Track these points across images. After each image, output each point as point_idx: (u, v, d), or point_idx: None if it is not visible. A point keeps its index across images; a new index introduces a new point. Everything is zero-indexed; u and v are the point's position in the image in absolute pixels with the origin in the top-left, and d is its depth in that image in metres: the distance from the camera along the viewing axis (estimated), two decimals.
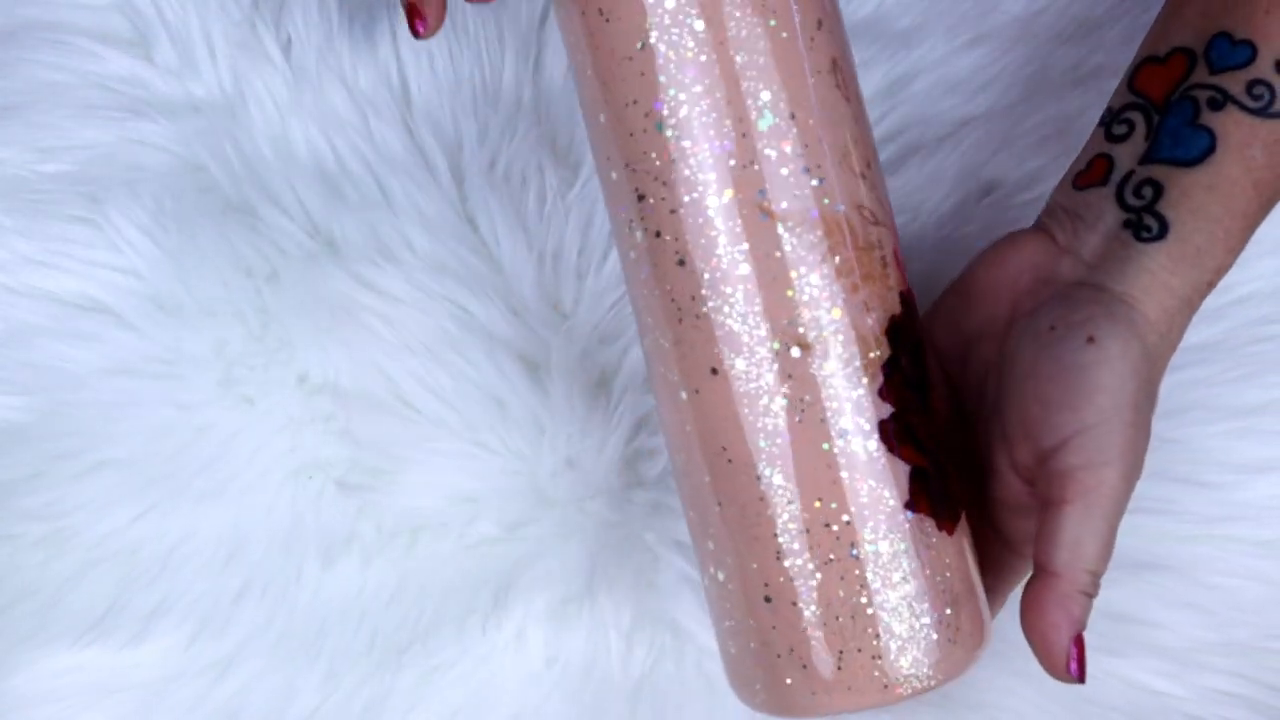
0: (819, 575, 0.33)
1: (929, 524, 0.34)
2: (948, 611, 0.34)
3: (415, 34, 0.35)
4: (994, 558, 0.38)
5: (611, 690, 0.44)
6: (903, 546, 0.34)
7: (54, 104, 0.48)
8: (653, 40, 0.32)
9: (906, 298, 0.36)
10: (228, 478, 0.46)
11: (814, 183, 0.33)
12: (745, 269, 0.33)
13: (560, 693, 0.44)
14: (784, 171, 0.33)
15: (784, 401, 0.33)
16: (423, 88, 0.49)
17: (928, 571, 0.34)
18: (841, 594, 0.33)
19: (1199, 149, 0.34)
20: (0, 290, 0.47)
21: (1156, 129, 0.35)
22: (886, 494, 0.33)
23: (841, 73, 0.34)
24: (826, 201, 0.33)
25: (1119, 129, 0.36)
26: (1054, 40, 0.50)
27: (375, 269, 0.47)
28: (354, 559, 0.45)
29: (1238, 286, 0.46)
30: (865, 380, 0.33)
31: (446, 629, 0.45)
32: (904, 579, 0.33)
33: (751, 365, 0.33)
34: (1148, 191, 0.35)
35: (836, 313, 0.33)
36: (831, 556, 0.33)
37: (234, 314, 0.47)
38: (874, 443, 0.33)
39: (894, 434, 0.34)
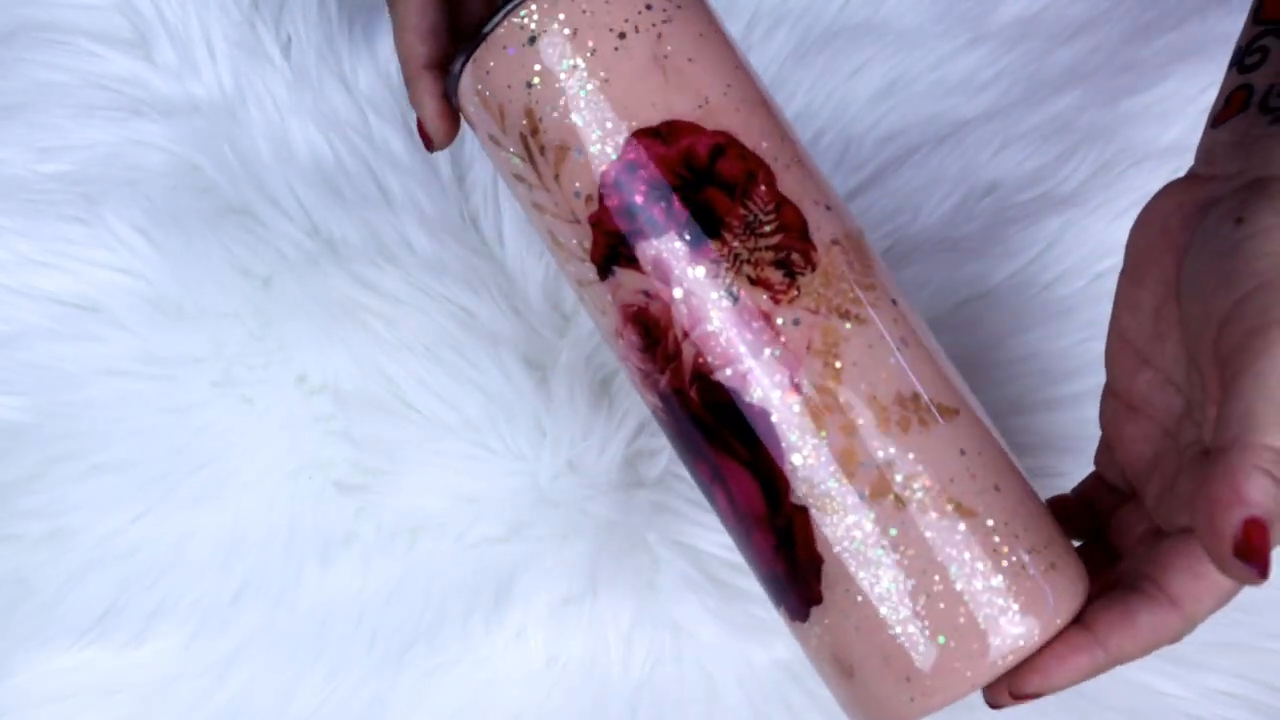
0: None
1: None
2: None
3: (427, 148, 0.39)
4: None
5: (611, 690, 0.44)
6: None
7: (54, 104, 0.49)
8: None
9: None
10: (227, 478, 0.46)
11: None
12: None
13: (560, 693, 0.44)
14: None
15: None
16: None
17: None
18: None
19: None
20: (0, 290, 0.47)
21: None
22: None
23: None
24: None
25: (1251, 59, 0.35)
26: (1054, 40, 0.50)
27: (375, 269, 0.47)
28: (354, 559, 0.45)
29: None
30: None
31: (447, 629, 0.45)
32: None
33: None
34: None
35: None
36: None
37: (233, 314, 0.47)
38: None
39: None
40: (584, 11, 0.33)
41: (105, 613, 0.44)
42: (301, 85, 0.49)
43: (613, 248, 0.34)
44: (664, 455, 0.46)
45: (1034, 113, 0.49)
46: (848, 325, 0.33)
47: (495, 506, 0.46)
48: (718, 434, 0.34)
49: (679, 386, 0.34)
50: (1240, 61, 0.35)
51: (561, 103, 0.33)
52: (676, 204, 0.33)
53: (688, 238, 0.33)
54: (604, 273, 0.34)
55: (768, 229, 0.34)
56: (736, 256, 0.33)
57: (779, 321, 0.33)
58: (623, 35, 0.33)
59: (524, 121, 0.34)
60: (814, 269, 0.34)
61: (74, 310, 0.47)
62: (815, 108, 0.50)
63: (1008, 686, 0.32)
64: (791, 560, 0.34)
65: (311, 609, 0.45)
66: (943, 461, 0.33)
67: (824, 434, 0.33)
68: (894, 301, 0.35)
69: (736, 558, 0.44)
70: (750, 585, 0.44)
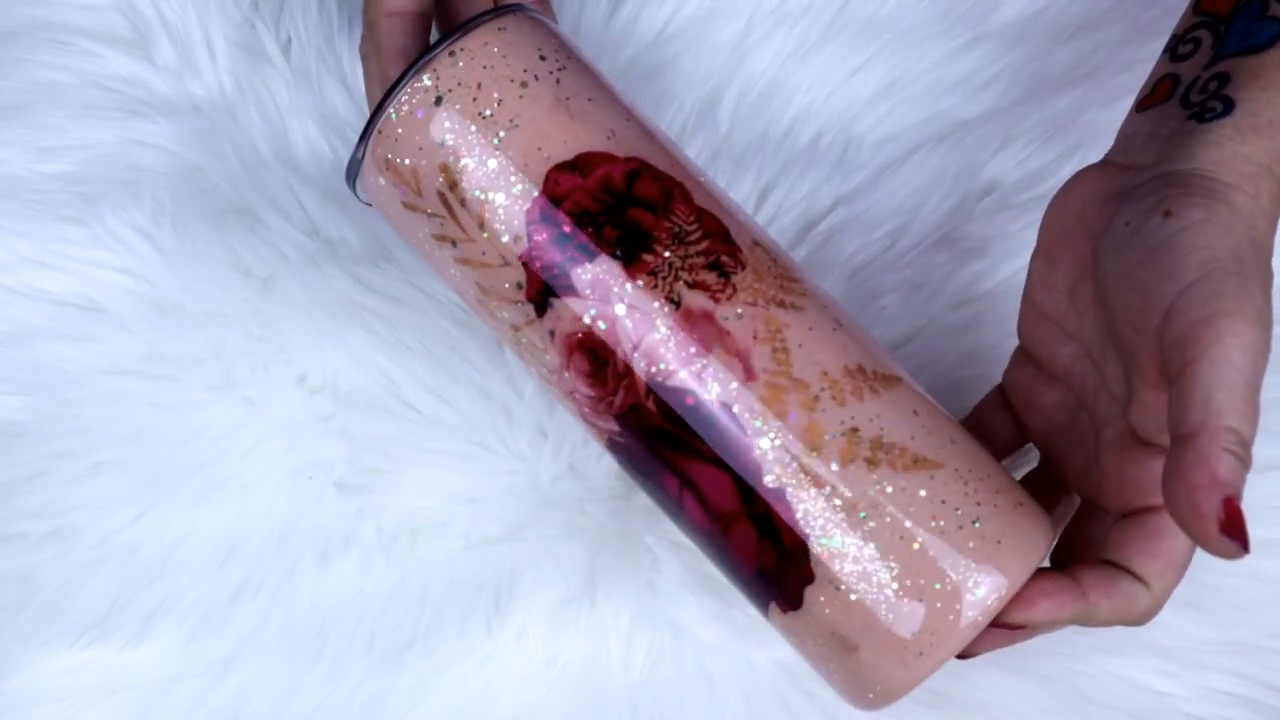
0: None
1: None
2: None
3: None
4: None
5: (611, 690, 0.44)
6: None
7: (54, 104, 0.49)
8: None
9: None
10: (227, 478, 0.46)
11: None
12: None
13: (560, 693, 0.44)
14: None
15: None
16: None
17: None
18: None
19: (1268, 35, 0.33)
20: (0, 290, 0.47)
21: (1223, 35, 0.34)
22: None
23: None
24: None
25: (1184, 48, 0.36)
26: (1054, 40, 0.50)
27: (375, 270, 0.47)
28: (354, 559, 0.45)
29: None
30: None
31: (447, 629, 0.45)
32: None
33: None
34: (1213, 84, 0.34)
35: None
36: None
37: (233, 315, 0.47)
38: None
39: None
40: (484, 67, 0.35)
41: (105, 613, 0.45)
42: (301, 85, 0.49)
43: (547, 281, 0.35)
44: None
45: (1034, 113, 0.49)
46: (786, 312, 0.35)
47: (495, 507, 0.46)
48: (680, 439, 0.35)
49: (635, 402, 0.35)
50: (1173, 49, 0.36)
51: (477, 152, 0.35)
52: (605, 227, 0.35)
53: (620, 255, 0.35)
54: (541, 308, 0.36)
55: (694, 237, 0.35)
56: (671, 265, 0.35)
57: (723, 318, 0.35)
58: (525, 84, 0.36)
59: (441, 179, 0.36)
60: (744, 267, 0.36)
61: (74, 310, 0.47)
62: (815, 108, 0.50)
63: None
64: (778, 546, 0.34)
65: (311, 609, 0.45)
66: (900, 421, 0.35)
67: (787, 414, 0.34)
68: (816, 293, 0.37)
69: None
70: None
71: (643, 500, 0.46)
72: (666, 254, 0.35)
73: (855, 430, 0.34)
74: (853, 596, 0.34)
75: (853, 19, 0.50)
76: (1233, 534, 0.29)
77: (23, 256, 0.47)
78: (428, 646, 0.44)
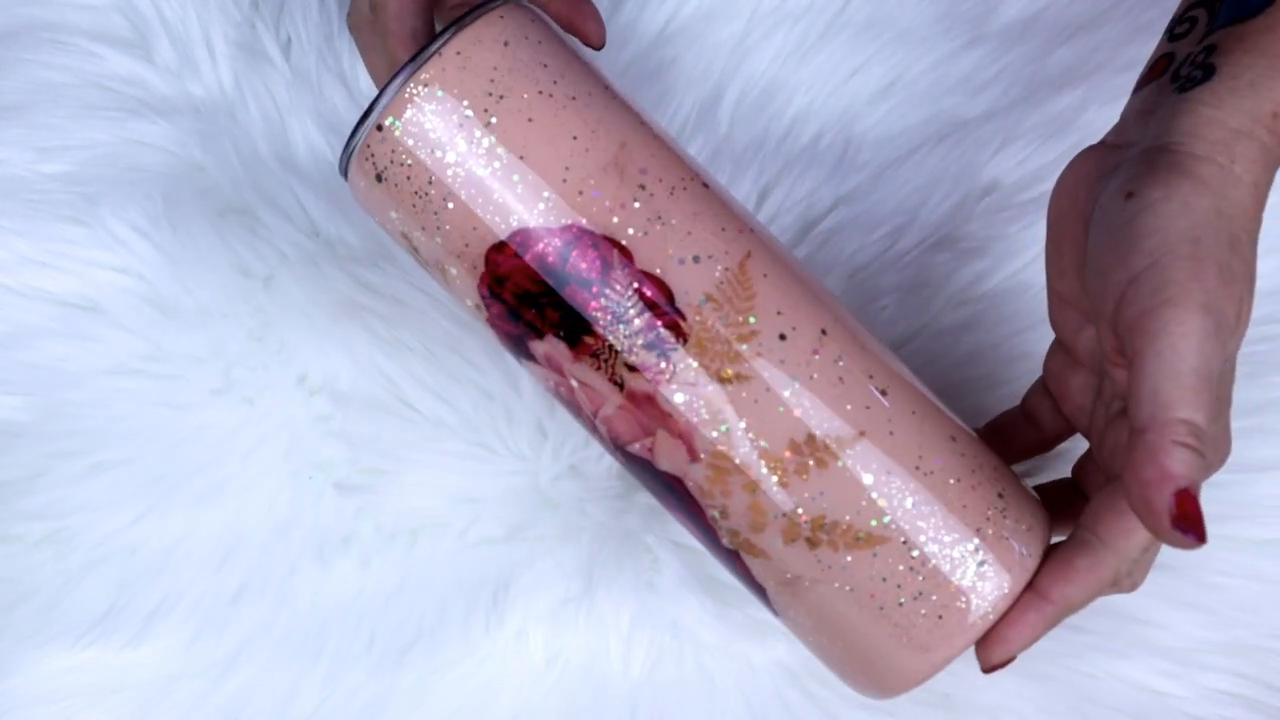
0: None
1: None
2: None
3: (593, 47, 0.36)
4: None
5: (611, 690, 0.44)
6: None
7: (54, 104, 0.49)
8: None
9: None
10: (227, 478, 0.46)
11: None
12: None
13: (560, 693, 0.44)
14: None
15: None
16: None
17: None
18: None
19: (1257, 3, 0.33)
20: (0, 290, 0.47)
21: (1218, 11, 0.34)
22: None
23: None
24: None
25: (1181, 28, 0.36)
26: (1054, 40, 0.50)
27: (375, 270, 0.47)
28: (353, 559, 0.45)
29: None
30: None
31: (447, 629, 0.45)
32: None
33: None
34: (1200, 56, 0.34)
35: None
36: None
37: (233, 315, 0.47)
38: None
39: None
40: (412, 141, 0.33)
41: (105, 613, 0.45)
42: (301, 85, 0.49)
43: (513, 346, 0.36)
44: None
45: (1034, 113, 0.49)
46: (729, 388, 0.34)
47: (495, 507, 0.46)
48: (652, 489, 0.37)
49: (610, 450, 0.37)
50: (1171, 30, 0.36)
51: (423, 229, 0.35)
52: (546, 309, 0.34)
53: (564, 335, 0.34)
54: (518, 359, 0.37)
55: (632, 313, 0.34)
56: (611, 347, 0.34)
57: (664, 401, 0.34)
58: (455, 154, 0.33)
59: (405, 243, 0.36)
60: (686, 340, 0.34)
61: (74, 310, 0.47)
62: (815, 108, 0.50)
63: (979, 665, 0.34)
64: (748, 579, 0.37)
65: (311, 609, 0.45)
66: (847, 495, 0.34)
67: (731, 494, 0.34)
68: (782, 336, 0.34)
69: None
70: None
71: (643, 500, 0.46)
72: (607, 335, 0.34)
73: (796, 511, 0.34)
74: (807, 644, 0.37)
75: (853, 19, 0.50)
76: (1185, 528, 0.28)
77: (23, 256, 0.47)
78: (428, 646, 0.44)
